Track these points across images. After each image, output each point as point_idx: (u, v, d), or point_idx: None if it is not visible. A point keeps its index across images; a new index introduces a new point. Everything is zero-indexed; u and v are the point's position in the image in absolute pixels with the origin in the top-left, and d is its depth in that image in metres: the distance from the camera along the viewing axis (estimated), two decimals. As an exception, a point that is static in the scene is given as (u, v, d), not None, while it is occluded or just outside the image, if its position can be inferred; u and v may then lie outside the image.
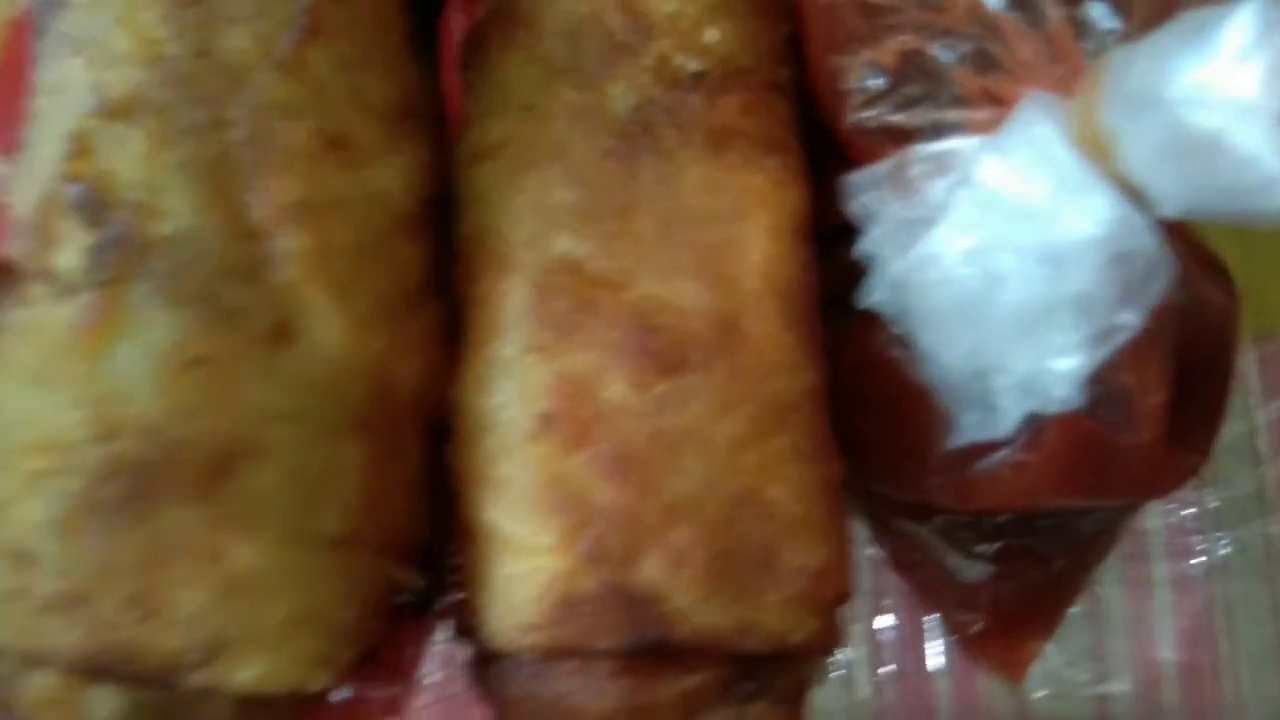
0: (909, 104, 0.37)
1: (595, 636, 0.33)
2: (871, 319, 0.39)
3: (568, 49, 0.38)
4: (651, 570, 0.33)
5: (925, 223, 0.35)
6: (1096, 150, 0.30)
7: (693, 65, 0.38)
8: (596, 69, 0.38)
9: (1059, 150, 0.31)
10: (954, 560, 0.42)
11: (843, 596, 0.35)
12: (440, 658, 0.43)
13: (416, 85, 0.37)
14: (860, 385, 0.38)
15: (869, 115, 0.37)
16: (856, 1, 0.38)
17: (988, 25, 0.35)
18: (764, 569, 0.33)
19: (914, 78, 0.37)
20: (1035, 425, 0.34)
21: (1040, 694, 0.44)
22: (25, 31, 0.46)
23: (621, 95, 0.37)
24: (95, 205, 0.32)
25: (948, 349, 0.35)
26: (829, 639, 0.34)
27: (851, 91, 0.38)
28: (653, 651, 0.33)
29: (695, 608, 0.33)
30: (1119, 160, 0.30)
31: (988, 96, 0.35)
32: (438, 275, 0.38)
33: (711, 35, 0.38)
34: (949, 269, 0.34)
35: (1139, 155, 0.29)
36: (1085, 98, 0.31)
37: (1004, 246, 0.33)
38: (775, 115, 0.38)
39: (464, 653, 0.42)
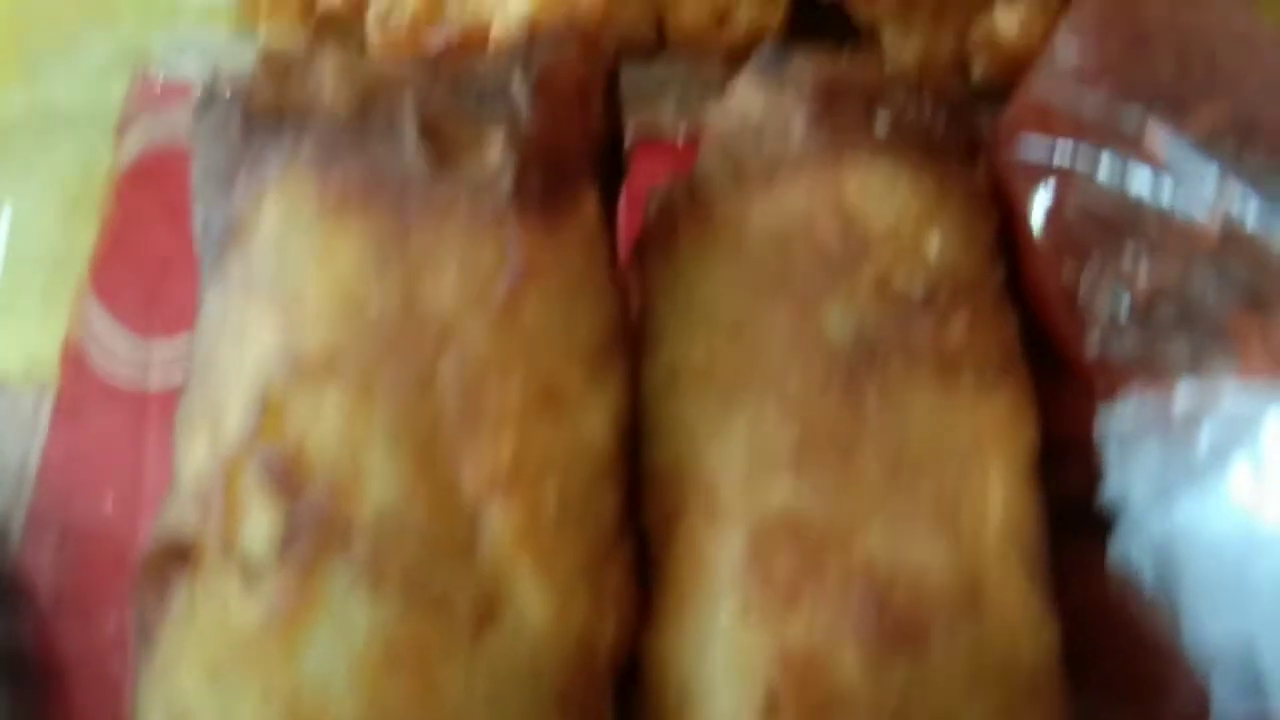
0: (1161, 334, 0.33)
1: None
2: (1097, 554, 0.35)
3: (778, 262, 0.34)
4: None
5: (1193, 473, 0.31)
6: None
7: (917, 281, 0.34)
8: (812, 287, 0.34)
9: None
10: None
11: None
12: None
13: (617, 308, 0.33)
14: (1083, 629, 0.35)
15: (1113, 343, 0.33)
16: (1092, 216, 0.35)
17: (1257, 257, 0.32)
18: None
19: (1164, 304, 0.33)
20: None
21: None
22: (135, 187, 0.43)
23: (841, 317, 0.34)
24: (287, 476, 0.28)
25: (1213, 622, 0.31)
26: None
27: (1090, 314, 0.34)
28: None
29: None
30: None
31: (1265, 339, 0.31)
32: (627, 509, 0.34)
33: (932, 244, 0.35)
34: (1225, 534, 0.30)
35: None
36: None
37: (1297, 519, 0.29)
38: (1005, 332, 0.35)
39: None
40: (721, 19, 0.45)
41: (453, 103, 0.31)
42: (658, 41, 0.45)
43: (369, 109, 0.31)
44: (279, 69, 0.31)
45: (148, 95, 0.48)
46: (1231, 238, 0.32)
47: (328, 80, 0.31)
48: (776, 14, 0.44)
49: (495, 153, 0.30)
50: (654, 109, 0.46)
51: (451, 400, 0.29)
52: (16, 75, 0.47)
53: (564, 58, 0.34)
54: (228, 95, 0.31)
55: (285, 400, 0.29)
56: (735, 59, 0.46)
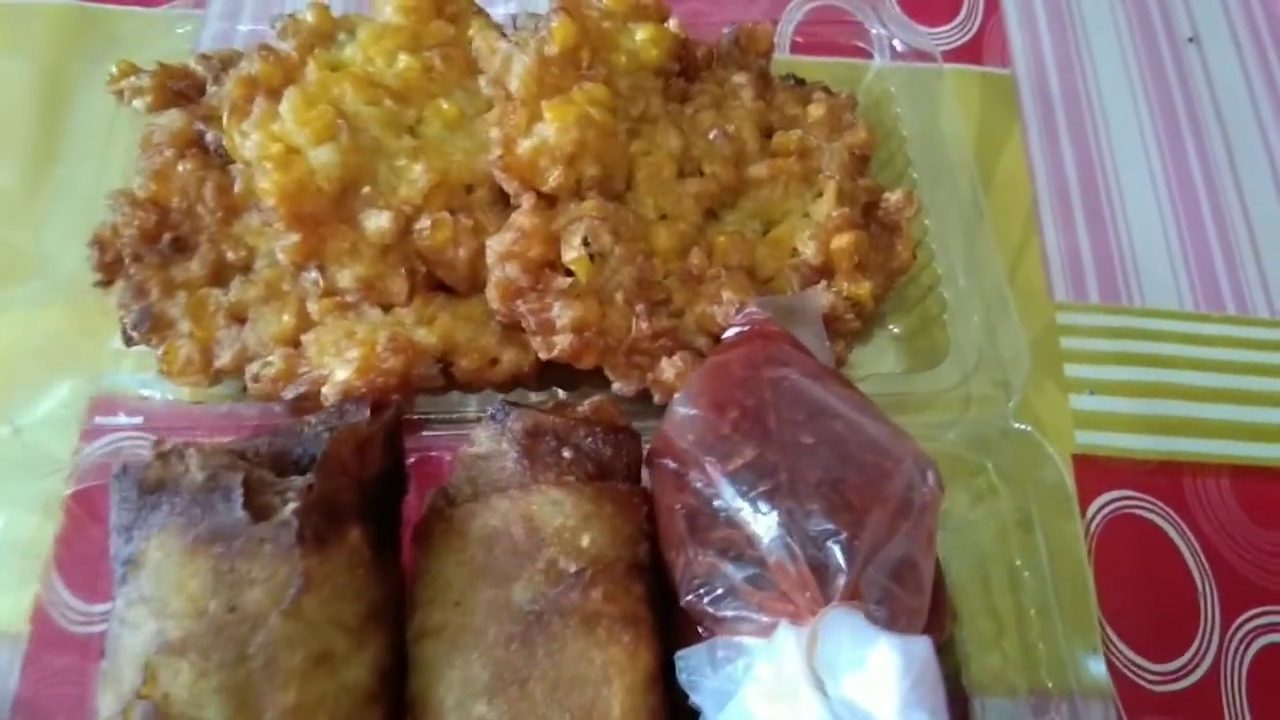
0: (717, 600, 0.53)
1: None
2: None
3: (486, 554, 0.55)
4: None
5: (728, 695, 0.51)
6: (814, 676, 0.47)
7: (573, 565, 0.54)
8: (506, 570, 0.54)
9: (799, 674, 0.47)
10: None
11: None
12: None
13: (380, 593, 0.53)
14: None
15: (692, 600, 0.54)
16: (686, 509, 0.55)
17: (762, 555, 0.52)
18: None
19: (718, 582, 0.53)
20: None
21: None
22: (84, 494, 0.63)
23: (523, 591, 0.54)
24: (157, 717, 0.48)
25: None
26: None
27: (682, 580, 0.54)
28: None
29: None
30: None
31: (763, 608, 0.51)
32: (395, 721, 0.54)
33: (585, 540, 0.55)
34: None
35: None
36: (812, 635, 0.47)
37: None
38: (632, 595, 0.55)
39: None
40: (491, 362, 0.67)
41: (264, 476, 0.52)
42: (446, 381, 0.67)
43: (214, 484, 0.52)
44: (160, 453, 0.52)
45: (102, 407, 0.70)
46: (750, 541, 0.52)
47: (192, 464, 0.52)
48: (530, 358, 0.66)
49: (288, 511, 0.51)
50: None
51: (259, 666, 0.48)
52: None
53: (352, 426, 0.55)
54: (131, 473, 0.52)
55: (158, 669, 0.48)
56: (503, 389, 0.68)
